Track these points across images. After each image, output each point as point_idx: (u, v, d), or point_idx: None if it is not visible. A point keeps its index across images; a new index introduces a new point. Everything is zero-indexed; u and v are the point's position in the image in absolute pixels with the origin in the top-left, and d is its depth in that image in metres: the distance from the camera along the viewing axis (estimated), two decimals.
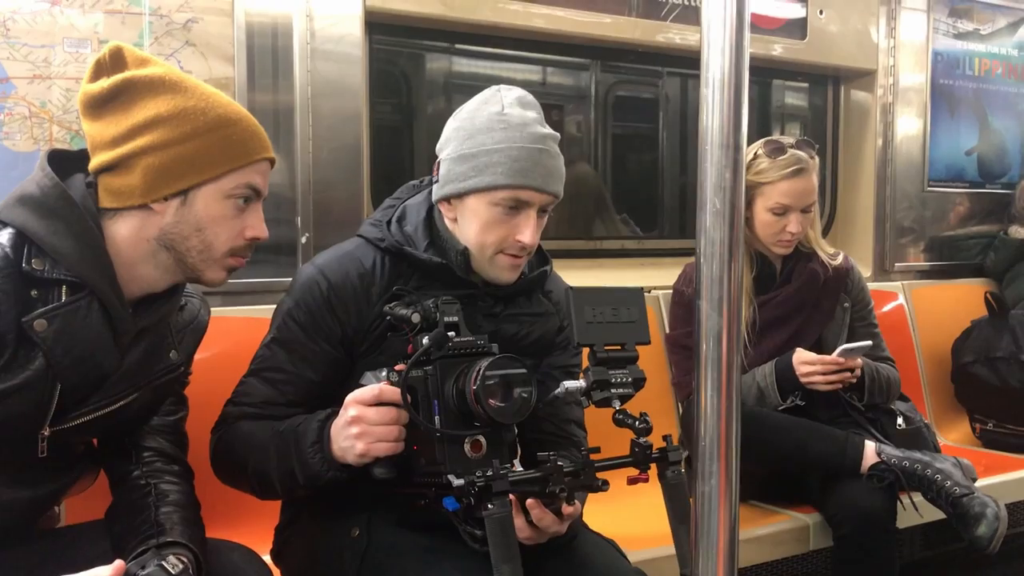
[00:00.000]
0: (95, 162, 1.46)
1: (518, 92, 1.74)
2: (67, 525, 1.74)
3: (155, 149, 1.42)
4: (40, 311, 1.36)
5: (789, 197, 2.50)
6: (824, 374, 2.44)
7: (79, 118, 2.17)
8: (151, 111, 1.43)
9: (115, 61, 1.46)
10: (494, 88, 1.75)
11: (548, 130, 1.72)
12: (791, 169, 2.49)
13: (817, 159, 2.56)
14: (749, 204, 2.53)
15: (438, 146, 1.78)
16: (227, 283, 1.59)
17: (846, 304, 2.66)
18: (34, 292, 1.37)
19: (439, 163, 1.74)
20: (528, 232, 1.68)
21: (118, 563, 1.27)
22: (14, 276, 1.35)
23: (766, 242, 2.59)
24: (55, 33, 2.18)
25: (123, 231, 1.46)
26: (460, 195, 1.70)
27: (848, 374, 2.47)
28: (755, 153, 2.52)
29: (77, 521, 1.71)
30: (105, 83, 1.44)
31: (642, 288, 1.50)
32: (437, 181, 1.74)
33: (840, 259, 2.68)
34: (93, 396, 1.46)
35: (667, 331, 2.76)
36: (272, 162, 1.56)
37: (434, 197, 1.77)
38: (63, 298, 1.39)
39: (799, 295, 2.60)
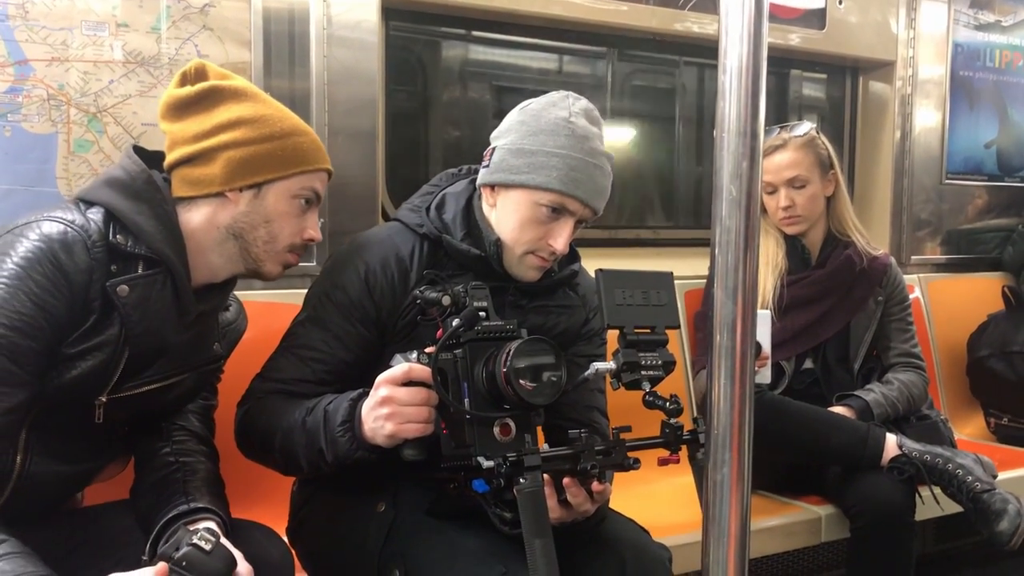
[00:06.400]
0: (173, 156, 1.59)
1: (585, 103, 1.78)
2: (88, 506, 1.77)
3: (237, 145, 1.57)
4: (124, 278, 1.49)
5: (769, 174, 2.60)
6: None
7: (96, 101, 2.22)
8: (235, 113, 1.58)
9: (199, 73, 1.62)
10: (563, 93, 1.78)
11: (605, 149, 1.76)
12: (768, 147, 2.60)
13: (811, 136, 2.62)
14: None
15: (494, 134, 1.80)
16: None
17: (880, 298, 2.67)
18: (114, 266, 1.49)
19: (493, 149, 1.77)
20: (562, 239, 1.72)
21: (161, 566, 1.34)
22: (104, 248, 1.48)
23: (776, 224, 2.64)
24: (73, 16, 2.18)
25: (196, 218, 1.59)
26: (508, 185, 1.73)
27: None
28: None
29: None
30: (191, 89, 1.59)
31: (672, 272, 1.50)
32: (487, 166, 1.77)
33: (880, 252, 2.71)
34: (148, 370, 1.57)
35: (687, 314, 2.81)
36: (330, 174, 1.71)
37: (480, 180, 1.79)
38: (140, 271, 1.51)
39: (830, 279, 2.63)
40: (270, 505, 1.93)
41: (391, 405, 1.50)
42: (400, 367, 1.51)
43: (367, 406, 1.54)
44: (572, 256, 1.92)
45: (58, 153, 2.19)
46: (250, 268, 1.64)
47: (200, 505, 1.55)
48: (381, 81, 2.67)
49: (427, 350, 1.51)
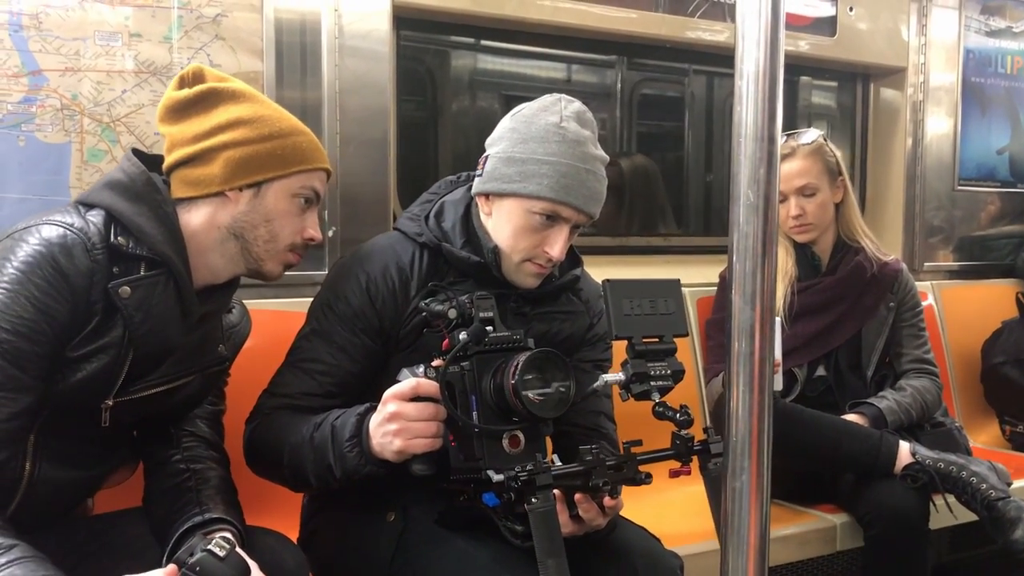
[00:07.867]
0: (173, 157, 1.60)
1: (578, 106, 1.76)
2: (99, 514, 1.77)
3: (236, 144, 1.58)
4: (126, 279, 1.49)
5: (781, 183, 2.55)
6: None
7: (109, 111, 2.23)
8: (233, 114, 1.59)
9: (196, 76, 1.63)
10: (555, 96, 1.77)
11: (600, 152, 1.74)
12: (779, 156, 2.55)
13: (819, 143, 2.59)
14: None
15: (488, 140, 1.79)
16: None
17: (891, 304, 2.65)
18: (116, 268, 1.49)
19: (487, 157, 1.76)
20: (558, 247, 1.71)
21: (171, 567, 1.34)
22: (105, 250, 1.48)
23: (787, 232, 2.62)
24: (86, 26, 2.19)
25: (196, 219, 1.59)
26: (501, 194, 1.73)
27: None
28: None
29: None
30: (190, 91, 1.60)
31: (679, 280, 1.49)
32: (481, 175, 1.76)
33: (890, 258, 2.69)
34: (154, 372, 1.57)
35: (699, 322, 2.79)
36: (328, 174, 1.70)
37: (474, 189, 1.79)
38: (142, 272, 1.51)
39: (841, 285, 2.61)
40: (284, 512, 1.93)
41: (399, 421, 1.49)
42: (408, 382, 1.50)
43: (375, 421, 1.53)
44: (574, 261, 1.91)
45: (72, 162, 2.20)
46: (251, 268, 1.64)
47: (215, 515, 1.55)
48: (392, 90, 2.67)
49: (434, 363, 1.51)
